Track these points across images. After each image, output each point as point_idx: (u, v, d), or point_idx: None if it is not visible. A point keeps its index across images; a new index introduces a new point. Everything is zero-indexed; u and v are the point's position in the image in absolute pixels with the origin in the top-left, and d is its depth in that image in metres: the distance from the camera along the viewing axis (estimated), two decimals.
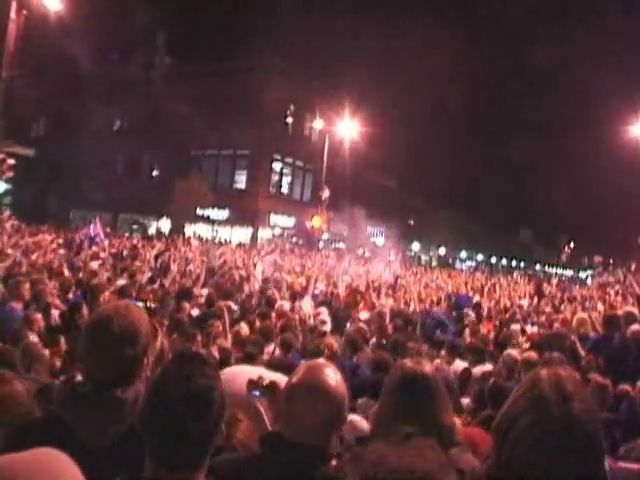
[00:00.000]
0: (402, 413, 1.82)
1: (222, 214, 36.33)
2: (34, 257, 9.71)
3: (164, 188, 32.67)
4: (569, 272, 73.32)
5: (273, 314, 6.62)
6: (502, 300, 12.37)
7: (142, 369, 1.75)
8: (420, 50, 44.30)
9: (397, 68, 51.37)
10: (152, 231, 33.84)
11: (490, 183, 70.40)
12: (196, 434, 1.33)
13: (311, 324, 6.88)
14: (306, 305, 8.13)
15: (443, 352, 6.02)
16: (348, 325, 7.43)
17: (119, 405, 1.62)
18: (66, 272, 8.72)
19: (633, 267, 32.88)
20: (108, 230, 20.21)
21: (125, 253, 13.89)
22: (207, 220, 35.49)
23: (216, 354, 4.65)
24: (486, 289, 14.66)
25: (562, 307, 11.80)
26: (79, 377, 1.79)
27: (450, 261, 58.66)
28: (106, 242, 14.22)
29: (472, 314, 8.92)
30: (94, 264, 10.05)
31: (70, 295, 7.10)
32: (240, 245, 25.88)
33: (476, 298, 11.72)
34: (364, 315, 8.13)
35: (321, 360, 2.06)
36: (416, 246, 53.23)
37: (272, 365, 3.48)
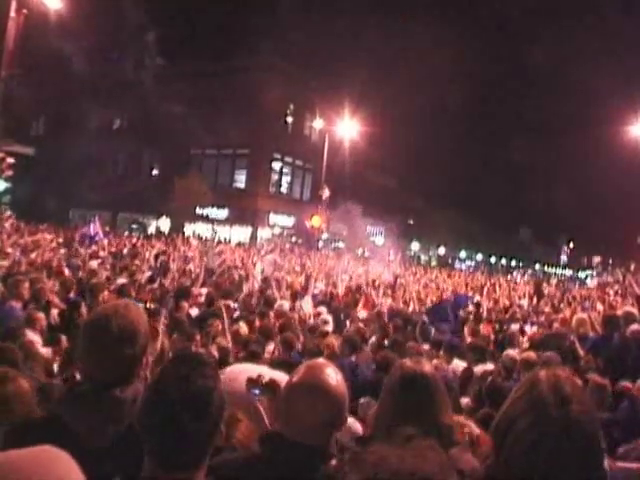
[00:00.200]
0: (402, 413, 1.82)
1: (222, 213, 36.34)
2: (33, 256, 9.72)
3: (164, 187, 32.67)
4: (568, 272, 73.39)
5: (271, 314, 6.63)
6: (502, 300, 12.38)
7: (141, 369, 1.75)
8: (420, 50, 44.38)
9: (397, 68, 51.51)
10: (151, 230, 33.86)
11: (490, 183, 70.61)
12: (195, 434, 1.33)
13: (311, 324, 6.89)
14: (306, 305, 8.13)
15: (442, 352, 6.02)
16: (348, 324, 7.43)
17: (118, 405, 1.62)
18: (66, 271, 8.72)
19: (632, 267, 32.81)
20: (107, 229, 20.18)
21: (125, 252, 13.89)
22: (207, 219, 35.47)
23: (215, 353, 4.65)
24: (486, 289, 14.65)
25: (561, 306, 11.81)
26: (78, 376, 1.78)
27: (450, 261, 58.76)
28: (105, 241, 14.22)
29: (472, 308, 8.99)
30: (93, 263, 10.05)
31: (71, 294, 7.10)
32: (240, 244, 25.90)
33: (476, 298, 11.72)
34: (363, 314, 8.13)
35: (321, 360, 2.06)
36: (416, 246, 53.28)
37: (275, 363, 3.48)
